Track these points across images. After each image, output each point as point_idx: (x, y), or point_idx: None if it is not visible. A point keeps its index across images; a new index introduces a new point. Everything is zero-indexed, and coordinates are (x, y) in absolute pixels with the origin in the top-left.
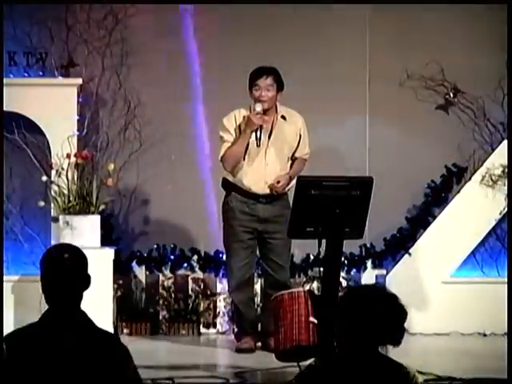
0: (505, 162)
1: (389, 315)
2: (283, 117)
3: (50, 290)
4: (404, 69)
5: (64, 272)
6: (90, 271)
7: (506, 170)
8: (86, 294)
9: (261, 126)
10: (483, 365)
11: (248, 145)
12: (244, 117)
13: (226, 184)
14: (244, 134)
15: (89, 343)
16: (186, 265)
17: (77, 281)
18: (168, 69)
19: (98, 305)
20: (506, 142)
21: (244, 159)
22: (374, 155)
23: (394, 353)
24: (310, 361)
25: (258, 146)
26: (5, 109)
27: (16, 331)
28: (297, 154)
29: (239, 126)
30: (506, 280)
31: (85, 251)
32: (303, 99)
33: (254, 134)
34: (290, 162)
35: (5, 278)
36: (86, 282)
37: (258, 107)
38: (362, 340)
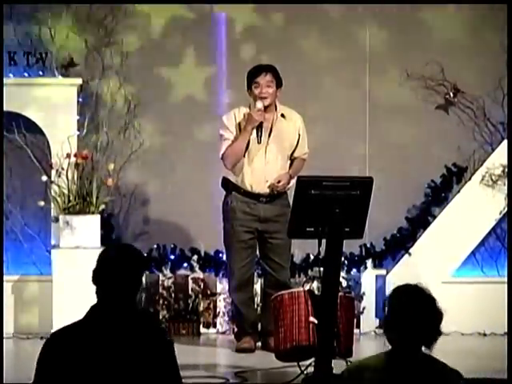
0: (505, 161)
1: (430, 317)
2: (283, 115)
3: (106, 287)
4: (404, 69)
5: (117, 271)
6: (89, 272)
7: (506, 169)
8: (86, 292)
9: (261, 124)
10: (484, 365)
11: (248, 142)
12: (244, 115)
13: (226, 183)
14: (245, 131)
15: (138, 338)
16: (186, 265)
17: (133, 281)
18: (168, 69)
19: None
20: (505, 141)
21: (244, 157)
22: (374, 155)
23: None
24: (310, 361)
25: (259, 142)
26: (5, 109)
27: (67, 326)
28: (296, 154)
29: (239, 123)
30: (506, 280)
31: (84, 252)
32: (304, 99)
33: (254, 131)
34: (289, 161)
35: (5, 277)
36: (138, 282)
37: (259, 104)
38: (410, 339)
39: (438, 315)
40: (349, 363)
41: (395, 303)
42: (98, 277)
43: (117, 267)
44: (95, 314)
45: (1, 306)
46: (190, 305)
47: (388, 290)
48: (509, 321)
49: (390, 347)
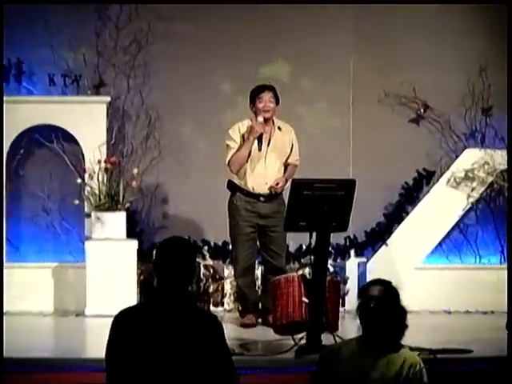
0: (467, 166)
1: (395, 315)
2: (279, 128)
3: (165, 275)
4: (382, 88)
5: (177, 261)
6: (117, 260)
7: (469, 173)
8: (115, 277)
9: (261, 135)
10: (449, 338)
11: (250, 151)
12: (247, 127)
13: (231, 185)
14: (248, 141)
15: (193, 320)
16: (199, 256)
17: (185, 272)
18: (182, 88)
19: (125, 287)
20: (467, 149)
21: (247, 163)
22: (357, 161)
23: None
24: (302, 335)
25: (260, 150)
26: (45, 122)
27: (128, 309)
28: (289, 161)
29: (242, 135)
30: (467, 266)
31: (112, 243)
32: (299, 115)
33: (255, 141)
34: (283, 167)
35: (46, 264)
36: (193, 271)
37: (260, 118)
38: (376, 331)
39: (402, 314)
40: (336, 336)
41: (363, 298)
42: (158, 266)
43: (174, 257)
44: (156, 298)
45: (1, 293)
46: (202, 287)
47: (368, 275)
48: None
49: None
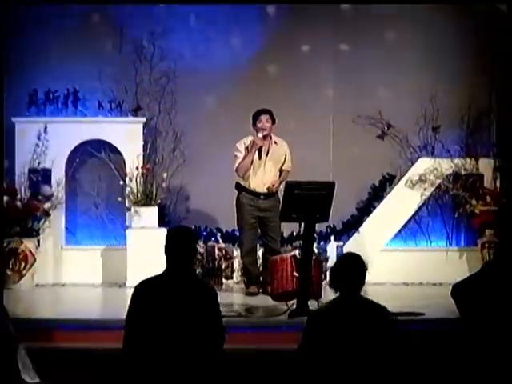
0: (420, 172)
1: (360, 270)
2: (275, 142)
3: (172, 255)
4: (356, 111)
5: (181, 245)
6: (150, 243)
7: (422, 177)
8: (148, 257)
9: (261, 147)
10: (407, 304)
11: (253, 160)
12: (250, 141)
13: (237, 186)
14: (250, 152)
15: (194, 289)
16: (213, 239)
17: (187, 253)
18: (201, 111)
19: (156, 264)
20: (420, 159)
21: (250, 169)
22: (336, 167)
23: None
24: (293, 301)
25: (260, 159)
26: (95, 137)
27: (147, 280)
28: (283, 167)
29: (246, 147)
30: (420, 248)
31: (146, 230)
32: (290, 132)
33: (257, 152)
34: (278, 172)
35: (95, 247)
36: (194, 252)
37: (260, 134)
38: (349, 287)
39: (363, 269)
40: (320, 302)
41: (338, 263)
42: (167, 248)
43: (179, 241)
44: (168, 272)
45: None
46: (216, 265)
47: None
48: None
49: (337, 294)
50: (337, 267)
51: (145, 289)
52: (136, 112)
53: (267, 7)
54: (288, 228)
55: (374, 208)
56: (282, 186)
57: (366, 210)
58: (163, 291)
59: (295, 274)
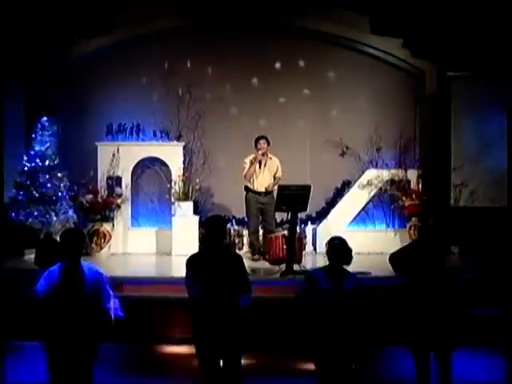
0: (368, 178)
1: (345, 251)
2: (270, 158)
3: (209, 236)
4: (325, 136)
5: (217, 227)
6: (188, 226)
7: (369, 182)
8: (187, 235)
9: (260, 161)
10: (360, 266)
11: (255, 169)
12: (253, 157)
13: (245, 188)
14: (253, 164)
15: (228, 256)
16: (230, 223)
17: (222, 232)
18: (221, 137)
19: (192, 240)
20: (368, 170)
21: (253, 175)
22: (312, 174)
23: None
24: (283, 265)
25: (260, 169)
26: (151, 155)
27: (194, 254)
28: (276, 175)
29: (251, 161)
30: (368, 229)
31: (186, 217)
32: (279, 148)
33: (257, 164)
34: (273, 178)
35: (151, 228)
36: (225, 233)
37: (259, 153)
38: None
39: (349, 251)
40: (302, 267)
41: (331, 242)
42: (206, 230)
43: (214, 225)
44: (206, 248)
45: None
46: (231, 240)
47: (318, 235)
48: None
49: (327, 263)
50: (331, 243)
51: (194, 259)
52: (178, 139)
53: None
54: (280, 216)
55: (337, 202)
56: (276, 187)
57: (332, 203)
58: (207, 259)
59: (284, 246)
